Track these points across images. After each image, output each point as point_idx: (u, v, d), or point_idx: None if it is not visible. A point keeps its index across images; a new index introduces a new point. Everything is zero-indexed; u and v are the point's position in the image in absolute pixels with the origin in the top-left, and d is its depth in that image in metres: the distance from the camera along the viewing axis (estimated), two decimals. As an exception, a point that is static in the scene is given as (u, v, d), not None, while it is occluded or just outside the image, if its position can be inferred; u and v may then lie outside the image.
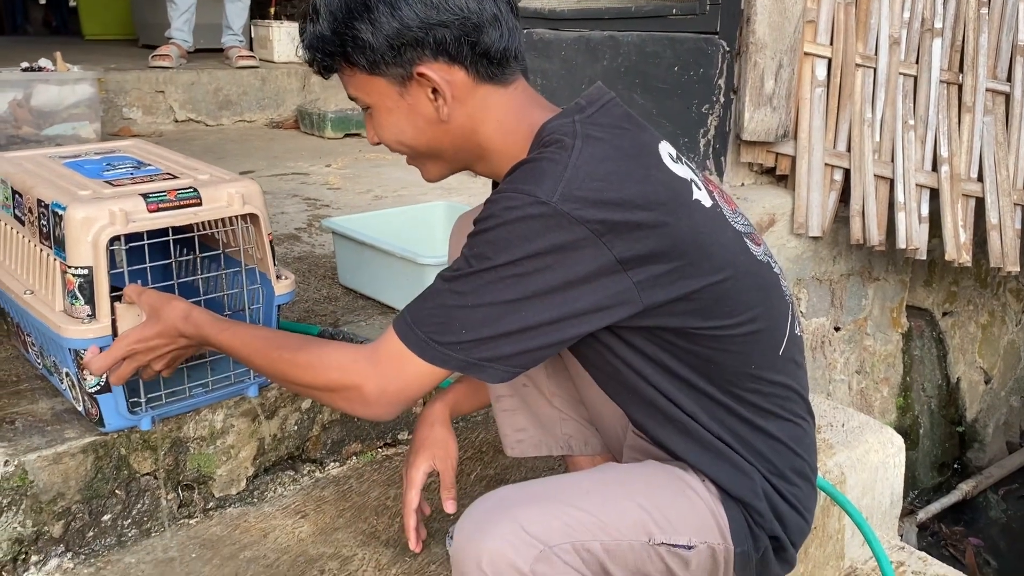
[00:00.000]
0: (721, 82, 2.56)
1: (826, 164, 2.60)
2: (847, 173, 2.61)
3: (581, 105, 1.13)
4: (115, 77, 4.13)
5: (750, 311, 1.14)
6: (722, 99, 2.56)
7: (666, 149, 1.14)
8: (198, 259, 1.57)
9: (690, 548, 1.14)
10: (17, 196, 1.49)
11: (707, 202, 1.13)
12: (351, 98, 1.18)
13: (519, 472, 1.77)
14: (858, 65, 2.58)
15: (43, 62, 3.66)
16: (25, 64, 3.62)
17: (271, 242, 1.54)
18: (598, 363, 1.18)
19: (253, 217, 1.50)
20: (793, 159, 2.61)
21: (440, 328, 1.05)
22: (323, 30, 1.11)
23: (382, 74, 1.12)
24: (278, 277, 1.55)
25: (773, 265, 1.21)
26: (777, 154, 2.62)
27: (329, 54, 1.13)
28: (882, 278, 2.99)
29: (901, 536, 3.20)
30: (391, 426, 1.86)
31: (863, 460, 1.93)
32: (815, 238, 2.67)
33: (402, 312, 1.10)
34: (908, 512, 3.25)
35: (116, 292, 1.37)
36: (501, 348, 1.04)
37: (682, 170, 1.13)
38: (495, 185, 1.27)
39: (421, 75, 1.10)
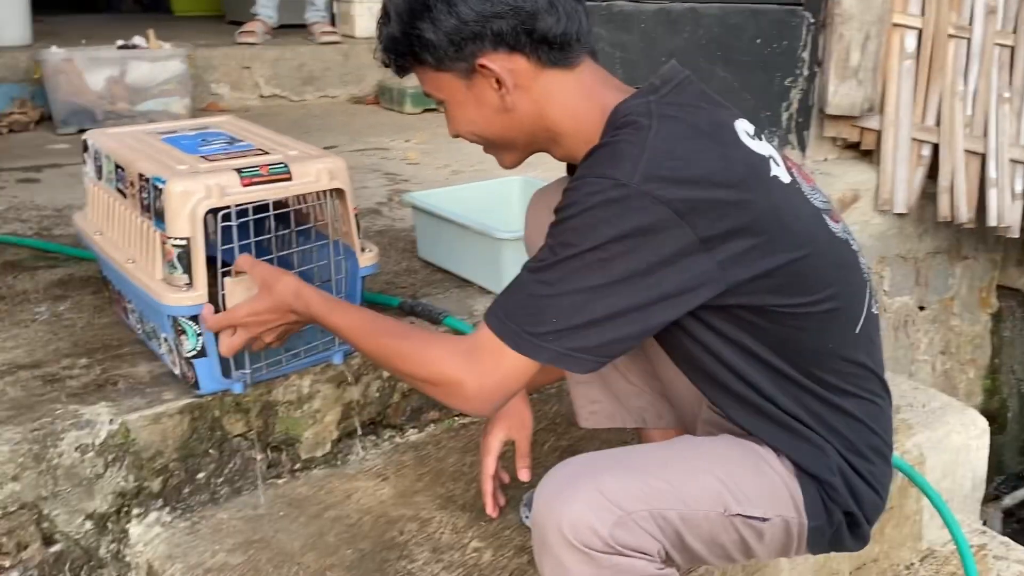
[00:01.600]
0: (805, 55, 2.51)
1: (913, 139, 2.53)
2: (936, 148, 2.54)
3: (655, 85, 1.14)
4: (203, 54, 4.25)
5: (829, 288, 1.14)
6: (806, 72, 2.52)
7: (743, 126, 1.14)
8: (293, 233, 1.62)
9: (765, 520, 1.15)
10: (120, 170, 1.57)
11: (786, 178, 1.13)
12: (426, 94, 1.22)
13: (592, 444, 1.80)
14: (950, 36, 2.49)
15: (137, 40, 3.81)
16: (120, 42, 3.77)
17: (356, 216, 1.59)
18: (676, 344, 1.19)
19: (339, 192, 1.55)
20: (879, 134, 2.55)
21: (532, 319, 1.05)
22: (394, 31, 1.16)
23: (448, 69, 1.15)
24: (363, 250, 1.60)
25: (852, 242, 1.21)
26: (862, 128, 2.57)
27: (401, 54, 1.17)
28: (971, 257, 2.91)
29: (984, 521, 3.13)
30: (468, 396, 1.90)
31: (944, 442, 1.90)
32: (900, 215, 2.61)
33: (492, 306, 1.11)
34: (993, 497, 3.17)
35: (225, 267, 1.42)
36: (591, 336, 1.05)
37: (760, 146, 1.13)
38: (570, 169, 1.29)
39: (483, 67, 1.13)
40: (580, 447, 1.79)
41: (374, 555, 1.47)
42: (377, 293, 1.97)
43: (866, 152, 2.62)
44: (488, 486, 1.45)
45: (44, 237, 2.30)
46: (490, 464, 1.44)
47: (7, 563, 1.41)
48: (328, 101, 4.56)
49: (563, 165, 1.33)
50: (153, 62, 3.75)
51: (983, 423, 1.99)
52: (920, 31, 2.49)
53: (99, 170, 1.67)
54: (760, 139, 1.16)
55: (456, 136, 1.24)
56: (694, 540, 1.11)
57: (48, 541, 1.44)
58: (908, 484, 1.80)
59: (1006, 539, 1.96)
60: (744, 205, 1.06)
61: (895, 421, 1.90)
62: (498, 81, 1.14)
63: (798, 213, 1.12)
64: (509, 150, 1.24)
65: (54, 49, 3.56)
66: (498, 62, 1.13)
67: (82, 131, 3.49)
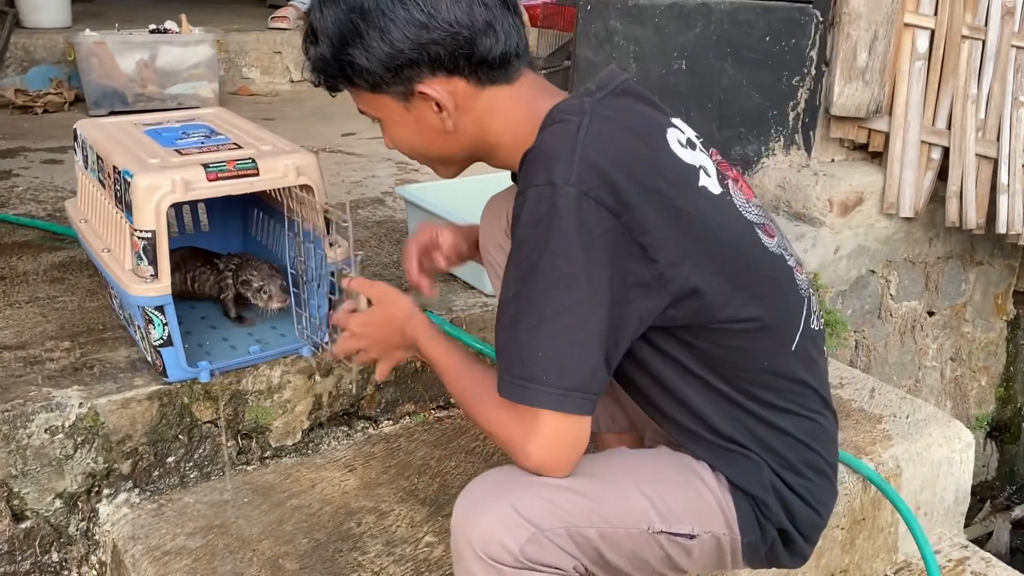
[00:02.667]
0: (813, 54, 2.46)
1: (923, 142, 2.47)
2: (946, 152, 2.47)
3: (590, 89, 1.14)
4: (235, 38, 4.32)
5: (759, 303, 1.13)
6: (813, 71, 2.47)
7: (675, 134, 1.13)
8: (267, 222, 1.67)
9: (692, 537, 1.15)
10: (100, 161, 1.62)
11: (716, 189, 1.12)
12: (361, 112, 1.20)
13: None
14: (964, 37, 2.42)
15: (169, 24, 3.89)
16: (152, 26, 3.85)
17: (326, 212, 1.62)
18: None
19: (308, 188, 1.58)
20: (887, 136, 2.49)
21: (539, 368, 1.03)
22: (323, 52, 1.13)
23: (385, 92, 1.13)
24: (331, 244, 1.63)
25: (788, 257, 1.19)
26: (870, 130, 2.51)
27: (332, 75, 1.15)
28: (986, 262, 2.83)
29: (991, 533, 3.06)
30: (444, 389, 1.93)
31: (923, 454, 1.87)
32: (908, 219, 2.55)
33: (502, 373, 1.07)
34: (1004, 507, 3.10)
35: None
36: (588, 360, 1.04)
37: (692, 156, 1.13)
38: (515, 176, 1.29)
39: (422, 92, 1.12)
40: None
41: (328, 545, 1.50)
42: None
43: (875, 154, 2.57)
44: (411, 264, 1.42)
45: (57, 219, 2.37)
46: (410, 246, 1.42)
47: (-21, 536, 1.47)
48: (357, 87, 4.60)
49: None
50: (183, 46, 3.82)
51: (968, 436, 1.95)
52: (932, 31, 2.43)
53: (86, 159, 1.72)
54: (694, 148, 1.15)
55: (393, 148, 1.24)
56: (616, 556, 1.12)
57: (18, 518, 1.50)
58: (883, 496, 1.78)
59: (988, 555, 1.92)
60: (674, 209, 1.06)
61: (875, 432, 1.89)
62: (438, 104, 1.13)
63: (727, 225, 1.11)
64: (447, 164, 1.25)
65: (87, 32, 3.65)
66: (437, 86, 1.11)
67: (113, 113, 3.60)
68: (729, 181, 1.17)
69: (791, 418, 1.19)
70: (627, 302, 1.05)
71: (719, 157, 1.21)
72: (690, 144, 1.14)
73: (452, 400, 1.94)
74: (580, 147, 1.04)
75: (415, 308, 1.26)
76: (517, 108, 1.15)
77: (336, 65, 1.13)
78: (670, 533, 1.14)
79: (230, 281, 1.74)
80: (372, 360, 1.32)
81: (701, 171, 1.12)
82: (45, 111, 3.71)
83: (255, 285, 1.71)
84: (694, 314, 1.10)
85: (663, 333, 1.12)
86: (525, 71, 1.17)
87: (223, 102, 3.86)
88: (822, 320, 1.28)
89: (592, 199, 1.01)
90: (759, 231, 1.16)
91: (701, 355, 1.14)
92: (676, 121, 1.17)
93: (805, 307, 1.20)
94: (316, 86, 1.19)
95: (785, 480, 1.19)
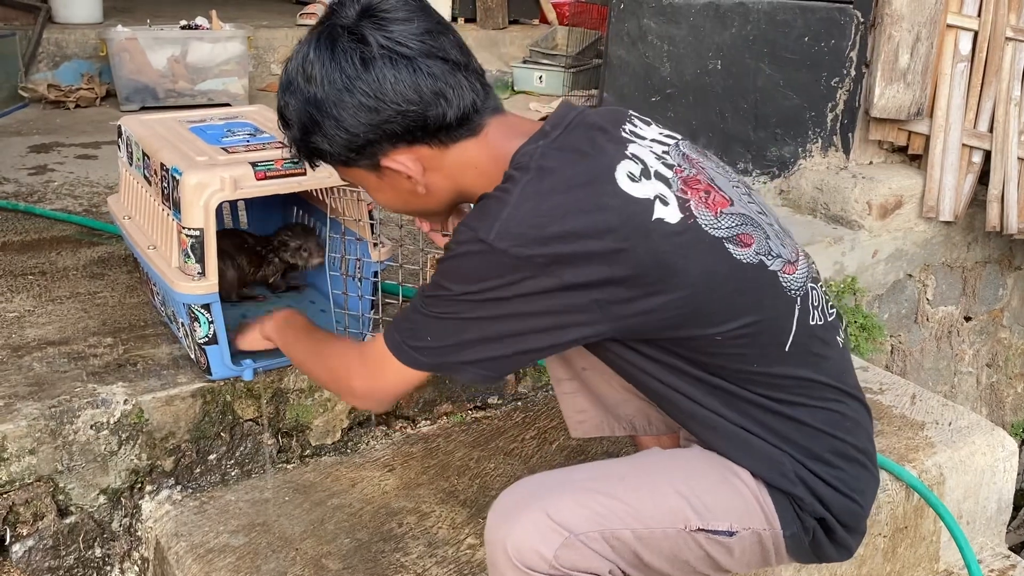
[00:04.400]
0: (853, 55, 2.44)
1: (964, 145, 2.44)
2: (987, 155, 2.44)
3: (546, 131, 1.13)
4: (264, 34, 4.33)
5: (737, 316, 1.11)
6: (853, 72, 2.45)
7: (627, 168, 1.09)
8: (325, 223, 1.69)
9: (732, 534, 1.14)
10: (146, 158, 1.62)
11: (673, 218, 1.08)
12: (344, 181, 1.27)
13: (600, 445, 1.80)
14: (1008, 39, 2.39)
15: (200, 20, 3.90)
16: (183, 22, 3.86)
17: (370, 211, 1.62)
18: (616, 366, 1.19)
19: (354, 187, 1.58)
20: (927, 138, 2.46)
21: (411, 333, 1.14)
22: (294, 136, 1.17)
23: (356, 166, 1.17)
24: (375, 245, 1.62)
25: (769, 262, 1.14)
26: (910, 132, 2.49)
27: (306, 156, 1.19)
28: (1024, 267, 2.80)
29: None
30: (482, 390, 1.92)
31: (967, 462, 1.85)
32: (947, 223, 2.52)
33: (393, 319, 1.20)
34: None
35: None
36: (466, 354, 1.11)
37: (643, 189, 1.09)
38: None
39: (387, 167, 1.14)
40: (588, 447, 1.80)
41: (370, 546, 1.50)
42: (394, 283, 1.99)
43: (914, 157, 2.54)
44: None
45: (93, 214, 2.39)
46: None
47: (24, 531, 1.48)
48: (384, 84, 4.59)
49: None
50: (214, 42, 3.83)
51: (1012, 444, 1.93)
52: (976, 33, 2.40)
53: (130, 156, 1.72)
54: (649, 177, 1.10)
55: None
56: (654, 558, 1.11)
57: (63, 513, 1.51)
58: (925, 504, 1.76)
59: (1031, 565, 1.90)
60: (617, 255, 1.05)
61: (917, 439, 1.87)
62: (407, 175, 1.15)
63: (687, 252, 1.08)
64: (433, 216, 1.28)
65: (119, 28, 3.67)
66: (400, 157, 1.13)
67: (144, 108, 3.62)
68: (691, 202, 1.11)
69: (805, 410, 1.17)
70: (537, 330, 1.09)
71: (687, 169, 1.15)
72: (644, 174, 1.10)
73: (490, 400, 1.93)
74: (510, 207, 1.06)
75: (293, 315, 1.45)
76: (486, 156, 1.16)
77: (306, 149, 1.18)
78: (708, 531, 1.13)
79: (275, 258, 1.80)
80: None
81: (657, 201, 1.08)
82: (77, 106, 3.73)
83: (292, 245, 1.78)
84: (660, 331, 1.11)
85: (647, 344, 1.13)
86: (489, 118, 1.16)
87: (252, 98, 3.87)
88: (832, 311, 1.24)
89: (506, 254, 1.04)
90: (730, 245, 1.11)
91: (691, 357, 1.14)
92: (633, 148, 1.13)
93: (798, 307, 1.16)
94: (296, 164, 1.28)
95: (812, 469, 1.17)
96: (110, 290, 1.93)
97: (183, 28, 3.83)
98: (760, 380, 1.14)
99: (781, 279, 1.16)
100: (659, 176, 1.12)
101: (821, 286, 1.24)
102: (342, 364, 1.25)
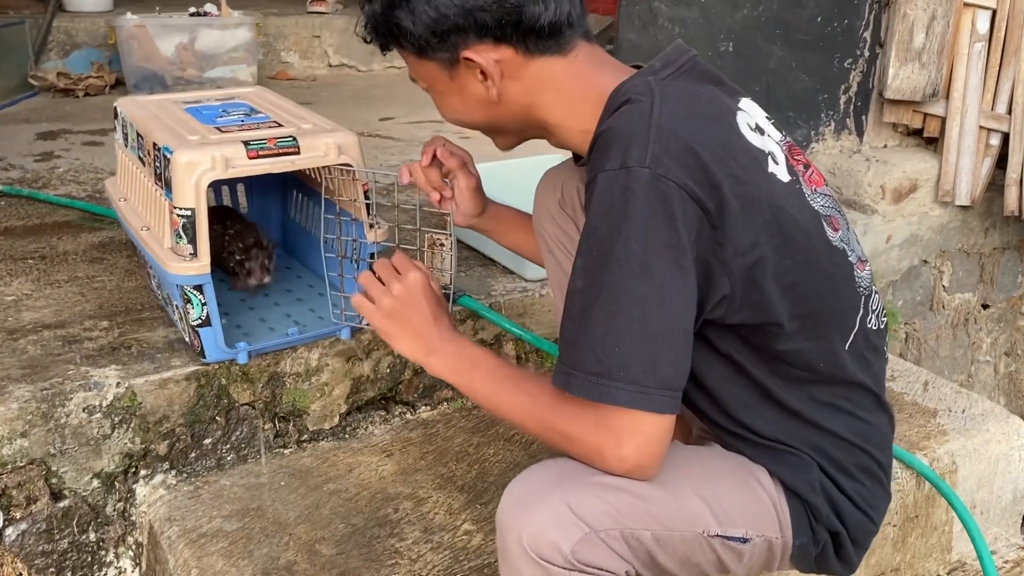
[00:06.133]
0: (867, 35, 2.38)
1: (981, 127, 2.38)
2: (1005, 137, 2.38)
3: (655, 68, 1.09)
4: (274, 22, 4.30)
5: (818, 300, 1.07)
6: (867, 53, 2.39)
7: (744, 119, 1.07)
8: (320, 204, 1.64)
9: (745, 541, 1.10)
10: (140, 138, 1.60)
11: (784, 177, 1.07)
12: (411, 79, 1.18)
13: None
14: (1028, 17, 2.33)
15: (209, 7, 3.88)
16: (192, 9, 3.85)
17: (366, 192, 1.59)
18: None
19: (349, 168, 1.55)
20: (943, 120, 2.40)
21: (617, 363, 0.95)
22: (375, 10, 1.11)
23: (430, 58, 1.11)
24: (371, 226, 1.59)
25: (849, 253, 1.13)
26: (926, 114, 2.43)
27: (381, 35, 1.13)
28: (1045, 253, 2.74)
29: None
30: (484, 376, 1.89)
31: (980, 450, 1.80)
32: (963, 207, 2.46)
33: (569, 369, 0.99)
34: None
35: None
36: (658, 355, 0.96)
37: (760, 141, 1.07)
38: (576, 156, 1.25)
39: (467, 59, 1.08)
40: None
41: (365, 531, 1.48)
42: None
43: (930, 140, 2.48)
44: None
45: (97, 200, 2.37)
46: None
47: (18, 515, 1.47)
48: (395, 72, 4.57)
49: None
50: (222, 29, 3.82)
51: (1028, 433, 1.88)
52: (994, 11, 2.33)
53: (126, 137, 1.70)
54: (763, 133, 1.09)
55: (446, 121, 1.21)
56: (667, 560, 1.07)
57: (56, 497, 1.49)
58: (937, 493, 1.71)
59: (1047, 556, 1.85)
60: (743, 195, 1.00)
61: (929, 426, 1.82)
62: (483, 72, 1.09)
63: (795, 214, 1.05)
64: (501, 135, 1.21)
65: (128, 15, 3.65)
66: (483, 53, 1.08)
67: (152, 96, 3.61)
68: (799, 168, 1.11)
69: (843, 417, 1.13)
70: (697, 291, 1.00)
71: (789, 140, 1.16)
72: (759, 129, 1.09)
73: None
74: (655, 128, 0.98)
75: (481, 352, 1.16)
76: (571, 82, 1.11)
77: (385, 25, 1.11)
78: (724, 537, 1.09)
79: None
80: (380, 327, 1.20)
81: (770, 157, 1.06)
82: (86, 94, 3.72)
83: (237, 256, 1.71)
84: (753, 309, 1.04)
85: (721, 328, 1.06)
86: (580, 42, 1.12)
87: (261, 86, 3.85)
88: (884, 319, 1.21)
89: (672, 181, 0.95)
90: (824, 223, 1.10)
91: (754, 351, 1.08)
92: (744, 103, 1.12)
93: (863, 305, 1.14)
94: (367, 43, 1.17)
95: (836, 481, 1.13)
96: (108, 274, 1.92)
97: (192, 15, 3.81)
98: (815, 380, 1.10)
99: (855, 273, 1.13)
100: (770, 135, 1.10)
101: (878, 294, 1.21)
102: (586, 435, 1.00)
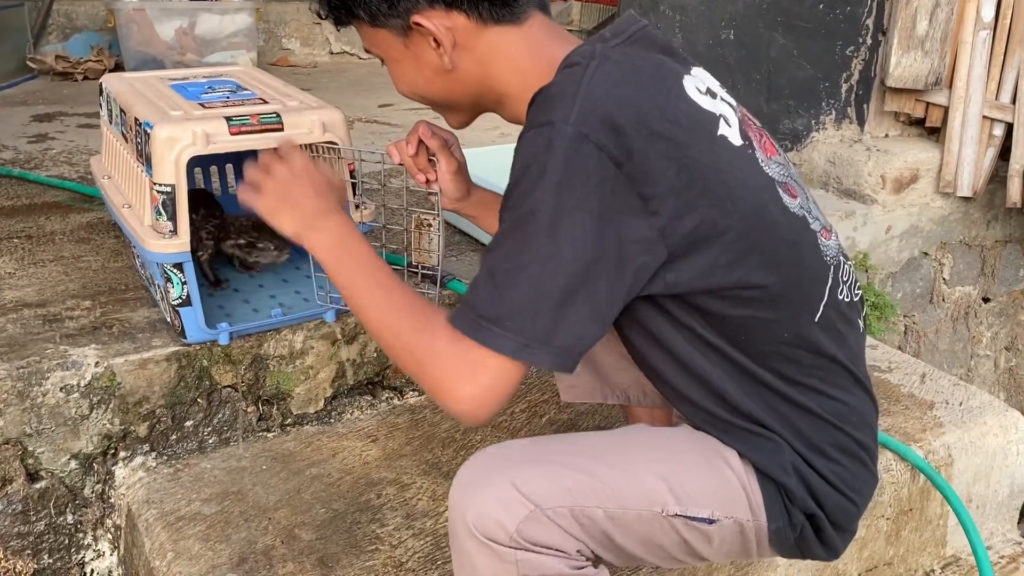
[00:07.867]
0: (869, 22, 2.34)
1: (984, 117, 2.34)
2: (1009, 128, 2.34)
3: (605, 36, 1.06)
4: (275, 8, 4.28)
5: (779, 268, 1.03)
6: (869, 41, 2.35)
7: (693, 83, 1.04)
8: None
9: (712, 522, 1.07)
10: (122, 114, 1.57)
11: (736, 140, 1.03)
12: (366, 50, 1.16)
13: (592, 419, 1.74)
14: (1033, 5, 2.29)
15: (208, -9, 3.86)
16: (193, -7, 3.82)
17: (352, 171, 1.56)
18: (630, 331, 1.11)
19: (334, 143, 1.52)
20: (946, 110, 2.36)
21: (505, 311, 0.95)
22: None
23: (383, 26, 1.08)
24: (357, 206, 1.57)
25: (811, 220, 1.09)
26: (928, 104, 2.39)
27: (334, 7, 1.11)
28: (1048, 247, 2.70)
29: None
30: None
31: (977, 443, 1.77)
32: (965, 199, 2.42)
33: (464, 306, 0.99)
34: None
35: None
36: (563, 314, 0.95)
37: (710, 103, 1.03)
38: None
39: (418, 24, 1.06)
40: (579, 421, 1.74)
41: (346, 516, 1.45)
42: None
43: (932, 130, 2.44)
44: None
45: (87, 181, 2.35)
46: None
47: (-7, 495, 1.44)
48: (396, 60, 4.54)
49: None
50: (222, 15, 3.79)
51: (1026, 426, 1.84)
52: (999, -1, 2.30)
53: (110, 113, 1.68)
54: (715, 97, 1.05)
55: (401, 95, 1.19)
56: (626, 540, 1.04)
57: (33, 477, 1.47)
58: (932, 486, 1.68)
59: (1043, 553, 1.82)
60: (682, 152, 0.96)
61: (926, 419, 1.79)
62: (436, 40, 1.07)
63: (745, 179, 1.02)
64: (454, 111, 1.18)
65: (127, -1, 3.63)
66: (435, 20, 1.05)
67: (150, 81, 3.59)
68: (752, 134, 1.08)
69: (816, 396, 1.10)
70: (622, 259, 0.96)
71: (744, 111, 1.12)
72: (710, 92, 1.05)
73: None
74: (584, 88, 0.95)
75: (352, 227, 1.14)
76: (524, 52, 1.08)
77: None
78: (687, 517, 1.05)
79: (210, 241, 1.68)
80: (262, 207, 1.16)
81: (721, 120, 1.03)
82: (85, 78, 3.70)
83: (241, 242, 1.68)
84: (700, 276, 1.00)
85: (674, 300, 1.03)
86: (535, 13, 1.09)
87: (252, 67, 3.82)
88: (858, 291, 1.17)
89: (592, 142, 0.93)
90: (780, 189, 1.06)
91: (716, 323, 1.05)
92: (696, 71, 1.08)
93: (831, 275, 1.10)
94: (323, 18, 1.15)
95: (809, 462, 1.09)
96: (95, 254, 1.89)
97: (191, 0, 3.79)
98: (784, 353, 1.06)
99: (819, 241, 1.10)
100: (724, 100, 1.07)
101: (850, 264, 1.17)
102: (438, 364, 0.99)
